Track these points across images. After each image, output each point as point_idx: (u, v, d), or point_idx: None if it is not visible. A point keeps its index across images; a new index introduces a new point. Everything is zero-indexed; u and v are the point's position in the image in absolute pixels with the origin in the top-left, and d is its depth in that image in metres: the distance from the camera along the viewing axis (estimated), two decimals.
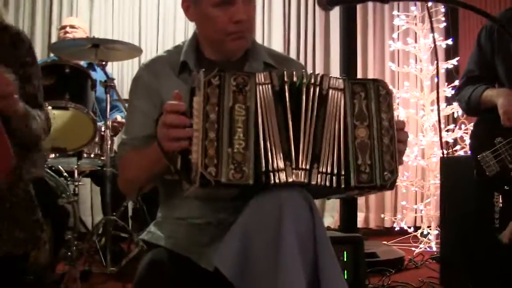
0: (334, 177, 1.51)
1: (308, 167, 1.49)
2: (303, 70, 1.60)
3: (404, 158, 5.17)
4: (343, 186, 1.51)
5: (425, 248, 4.96)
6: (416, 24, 5.46)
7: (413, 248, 4.93)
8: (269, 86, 1.52)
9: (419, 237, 5.20)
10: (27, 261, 2.18)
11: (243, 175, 1.44)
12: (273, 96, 1.51)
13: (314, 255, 1.45)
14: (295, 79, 1.54)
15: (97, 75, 4.05)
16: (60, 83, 3.45)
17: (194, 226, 1.80)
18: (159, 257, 1.78)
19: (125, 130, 1.91)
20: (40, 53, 5.55)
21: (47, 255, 3.09)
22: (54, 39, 5.52)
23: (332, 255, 1.49)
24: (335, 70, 5.88)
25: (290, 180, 1.47)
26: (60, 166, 3.90)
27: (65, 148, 3.57)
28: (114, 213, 3.64)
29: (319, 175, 1.50)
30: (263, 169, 1.46)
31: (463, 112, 3.15)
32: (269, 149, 1.47)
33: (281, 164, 1.47)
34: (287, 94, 1.52)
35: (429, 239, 5.10)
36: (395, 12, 5.69)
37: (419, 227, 5.44)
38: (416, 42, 5.57)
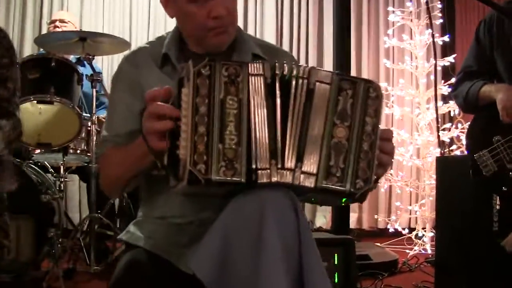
0: (303, 175, 1.40)
1: (293, 166, 1.40)
2: (293, 63, 1.50)
3: (399, 157, 5.22)
4: (312, 186, 1.40)
5: (420, 251, 4.87)
6: (411, 20, 5.38)
7: (407, 251, 4.84)
8: (261, 78, 1.42)
9: (414, 239, 5.12)
10: None
11: (235, 172, 1.35)
12: (265, 88, 1.41)
13: (299, 257, 1.37)
14: (285, 71, 1.44)
15: (86, 70, 3.96)
16: (45, 77, 3.40)
17: (174, 226, 1.71)
18: (137, 258, 1.69)
19: (106, 126, 1.81)
20: (30, 47, 5.52)
21: (29, 252, 3.02)
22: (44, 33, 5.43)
23: (318, 258, 1.41)
24: (328, 63, 5.84)
25: (274, 179, 1.38)
26: (46, 162, 3.83)
27: (50, 144, 3.52)
28: (99, 211, 3.55)
29: (302, 175, 1.40)
30: (253, 166, 1.36)
31: (460, 109, 3.06)
32: (257, 146, 1.38)
33: (267, 163, 1.38)
34: (277, 87, 1.42)
35: (423, 241, 5.02)
36: (390, 8, 5.60)
37: (414, 229, 5.37)
38: (411, 38, 5.48)
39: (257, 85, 1.42)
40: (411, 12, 5.41)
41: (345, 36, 4.36)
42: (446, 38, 5.38)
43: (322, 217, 6.00)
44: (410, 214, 5.61)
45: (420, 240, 5.04)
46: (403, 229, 5.44)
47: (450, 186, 3.25)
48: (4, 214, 2.04)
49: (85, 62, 3.85)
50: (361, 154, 1.41)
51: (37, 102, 3.33)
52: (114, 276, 1.65)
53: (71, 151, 3.68)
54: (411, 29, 5.58)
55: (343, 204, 1.57)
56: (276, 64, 1.44)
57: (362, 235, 5.82)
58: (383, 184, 5.48)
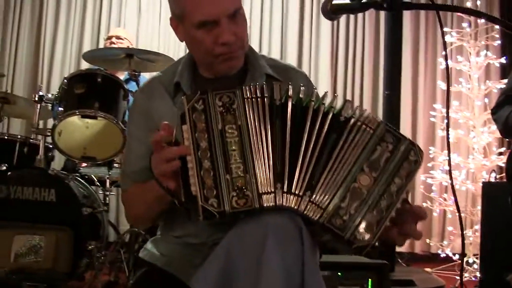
0: (324, 212, 1.37)
1: (301, 192, 1.38)
2: (315, 88, 1.48)
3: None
4: (316, 217, 1.37)
5: (470, 278, 4.71)
6: (468, 41, 5.25)
7: (457, 277, 4.69)
8: (259, 100, 1.42)
9: (465, 266, 4.94)
10: None
11: (247, 200, 1.35)
12: (263, 110, 1.41)
13: (301, 282, 1.35)
14: (301, 95, 1.44)
15: (135, 86, 4.03)
16: (91, 92, 3.44)
17: (189, 245, 1.73)
18: (149, 276, 1.73)
19: (124, 160, 1.87)
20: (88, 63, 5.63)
21: (66, 263, 3.08)
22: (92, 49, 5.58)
23: (321, 283, 1.39)
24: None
25: (279, 203, 1.37)
26: (92, 175, 3.91)
27: (95, 158, 3.58)
28: None
29: (309, 204, 1.38)
30: (258, 191, 1.36)
31: (500, 133, 2.95)
32: (260, 170, 1.38)
33: (271, 187, 1.37)
34: (289, 110, 1.42)
35: (474, 268, 4.84)
36: (446, 29, 5.48)
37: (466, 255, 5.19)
38: (467, 59, 5.35)
39: (254, 107, 1.41)
40: (467, 33, 5.28)
41: (395, 54, 4.32)
42: (503, 60, 5.22)
43: None
44: (465, 239, 5.44)
45: (470, 267, 4.88)
46: (454, 254, 5.28)
47: (494, 213, 3.16)
48: None
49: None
50: (375, 210, 1.37)
51: (82, 117, 3.39)
52: None
53: (115, 165, 3.75)
54: (466, 50, 5.44)
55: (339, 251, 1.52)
56: (290, 86, 1.44)
57: (414, 259, 5.69)
58: (435, 209, 5.34)
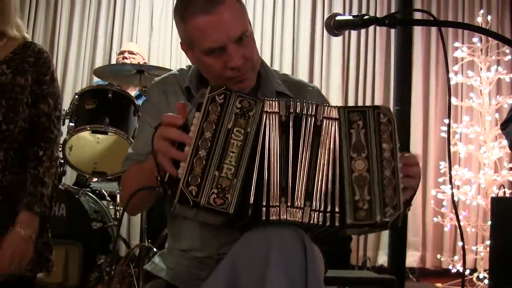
0: (328, 215, 1.40)
1: (302, 205, 1.40)
2: (304, 101, 1.49)
3: (461, 196, 5.06)
4: (337, 224, 1.39)
5: None
6: (478, 56, 5.25)
7: None
8: (277, 115, 1.44)
9: (475, 281, 4.91)
10: (33, 283, 2.15)
11: (225, 202, 1.36)
12: (279, 126, 1.44)
13: None
14: (298, 109, 1.46)
15: None
16: (102, 107, 3.47)
17: (195, 259, 1.74)
18: None
19: (132, 144, 1.86)
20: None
21: (75, 277, 3.10)
22: (113, 63, 5.62)
23: None
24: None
25: (283, 217, 1.38)
26: (103, 190, 3.94)
27: (106, 173, 3.59)
28: (149, 240, 3.60)
29: (311, 213, 1.39)
30: (264, 203, 1.38)
31: (510, 148, 2.95)
32: (269, 183, 1.39)
33: (277, 201, 1.39)
34: (291, 125, 1.45)
35: (485, 284, 4.81)
36: (457, 44, 5.48)
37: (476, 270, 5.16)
38: (477, 74, 5.34)
39: (272, 122, 1.43)
40: (478, 48, 5.28)
41: (406, 69, 4.33)
42: None
43: (385, 255, 5.86)
44: (476, 254, 5.40)
45: (481, 282, 4.84)
46: (464, 270, 5.24)
47: (504, 228, 3.14)
48: (48, 232, 2.14)
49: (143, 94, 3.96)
50: (384, 182, 1.40)
51: (93, 132, 3.42)
52: None
53: None
54: (476, 65, 5.44)
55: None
56: (291, 102, 1.46)
57: (424, 274, 5.65)
58: (446, 224, 5.32)
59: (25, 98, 2.07)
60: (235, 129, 1.41)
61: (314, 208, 1.40)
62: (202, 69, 1.75)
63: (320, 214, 1.40)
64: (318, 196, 1.40)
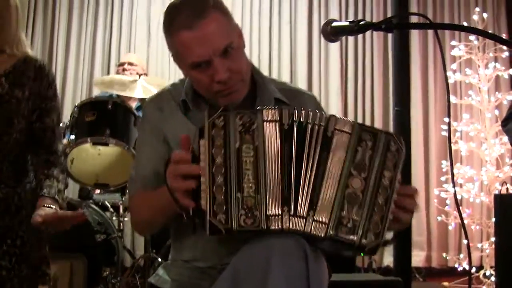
0: (318, 224, 1.41)
1: (305, 214, 1.41)
2: (310, 110, 1.50)
3: (464, 194, 5.06)
4: (322, 235, 1.40)
5: None
6: (476, 54, 5.25)
7: None
8: (277, 123, 1.45)
9: (482, 279, 4.90)
10: None
11: (255, 220, 1.38)
12: (280, 134, 1.44)
13: None
14: (302, 117, 1.46)
15: None
16: (102, 119, 3.47)
17: (198, 269, 1.74)
18: None
19: (134, 165, 1.86)
20: (99, 89, 5.64)
21: None
22: (112, 74, 5.60)
23: None
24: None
25: (286, 226, 1.39)
26: (106, 202, 3.94)
27: (108, 184, 3.60)
28: (154, 250, 3.60)
29: (313, 224, 1.40)
30: (265, 213, 1.39)
31: (511, 145, 2.95)
32: (270, 192, 1.40)
33: (279, 210, 1.39)
34: (295, 133, 1.45)
35: (491, 281, 4.80)
36: (454, 42, 5.48)
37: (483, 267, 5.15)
38: (475, 72, 5.34)
39: (272, 131, 1.44)
40: (475, 45, 5.28)
41: (404, 70, 4.32)
42: None
43: (390, 256, 5.85)
44: (482, 252, 5.40)
45: (488, 279, 4.84)
46: (471, 268, 5.23)
47: (508, 224, 3.14)
48: (45, 246, 2.15)
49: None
50: (375, 208, 1.41)
51: (93, 144, 3.42)
52: None
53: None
54: (474, 63, 5.44)
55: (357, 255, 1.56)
56: (295, 110, 1.46)
57: (431, 274, 5.65)
58: (450, 222, 5.31)
59: (21, 111, 2.07)
60: (243, 147, 1.41)
61: (317, 219, 1.41)
62: (192, 82, 1.76)
63: (323, 225, 1.40)
64: (322, 207, 1.41)
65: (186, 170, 1.44)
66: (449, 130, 1.60)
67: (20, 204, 2.08)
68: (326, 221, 1.40)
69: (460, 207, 5.10)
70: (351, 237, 1.39)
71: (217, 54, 1.60)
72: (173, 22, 1.64)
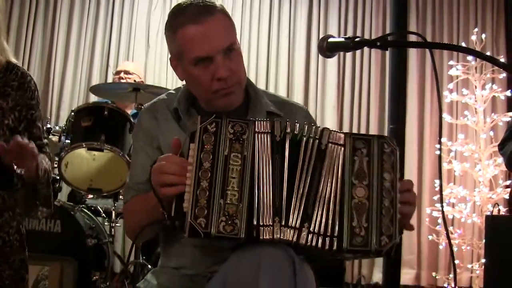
0: (327, 238, 1.43)
1: (297, 225, 1.43)
2: (305, 122, 1.52)
3: (456, 214, 5.06)
4: (334, 248, 1.43)
5: None
6: (473, 74, 5.28)
7: None
8: (269, 135, 1.47)
9: None
10: None
11: (234, 228, 1.39)
12: (271, 146, 1.46)
13: None
14: (296, 130, 1.48)
15: None
16: (98, 124, 3.50)
17: (187, 277, 1.76)
18: None
19: (129, 174, 1.89)
20: (96, 97, 5.66)
21: None
22: (110, 81, 5.64)
23: None
24: None
25: (276, 237, 1.41)
26: (98, 207, 3.94)
27: (101, 190, 3.62)
28: (144, 257, 3.61)
29: (309, 235, 1.43)
30: (255, 223, 1.41)
31: (506, 168, 2.97)
32: (261, 203, 1.42)
33: (270, 220, 1.41)
34: (287, 146, 1.47)
35: None
36: (452, 62, 5.50)
37: None
38: (472, 92, 5.37)
39: (263, 142, 1.46)
40: (473, 66, 5.31)
41: (400, 88, 4.37)
42: (509, 93, 5.24)
43: (379, 273, 5.85)
44: (472, 273, 5.40)
45: None
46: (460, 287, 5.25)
47: (499, 246, 3.14)
48: (25, 250, 2.14)
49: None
50: (383, 211, 1.44)
51: (88, 149, 3.44)
52: None
53: (121, 197, 3.77)
54: (471, 83, 5.47)
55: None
56: (287, 122, 1.48)
57: None
58: (441, 242, 5.31)
59: (5, 121, 2.05)
60: (232, 155, 1.43)
61: (312, 230, 1.42)
62: (190, 84, 1.79)
63: (320, 237, 1.43)
64: (318, 218, 1.43)
65: (172, 168, 1.47)
66: (440, 149, 1.62)
67: (3, 207, 2.06)
68: (323, 232, 1.42)
69: (452, 227, 5.15)
70: (366, 245, 1.42)
71: (220, 51, 1.64)
72: (179, 17, 1.68)
